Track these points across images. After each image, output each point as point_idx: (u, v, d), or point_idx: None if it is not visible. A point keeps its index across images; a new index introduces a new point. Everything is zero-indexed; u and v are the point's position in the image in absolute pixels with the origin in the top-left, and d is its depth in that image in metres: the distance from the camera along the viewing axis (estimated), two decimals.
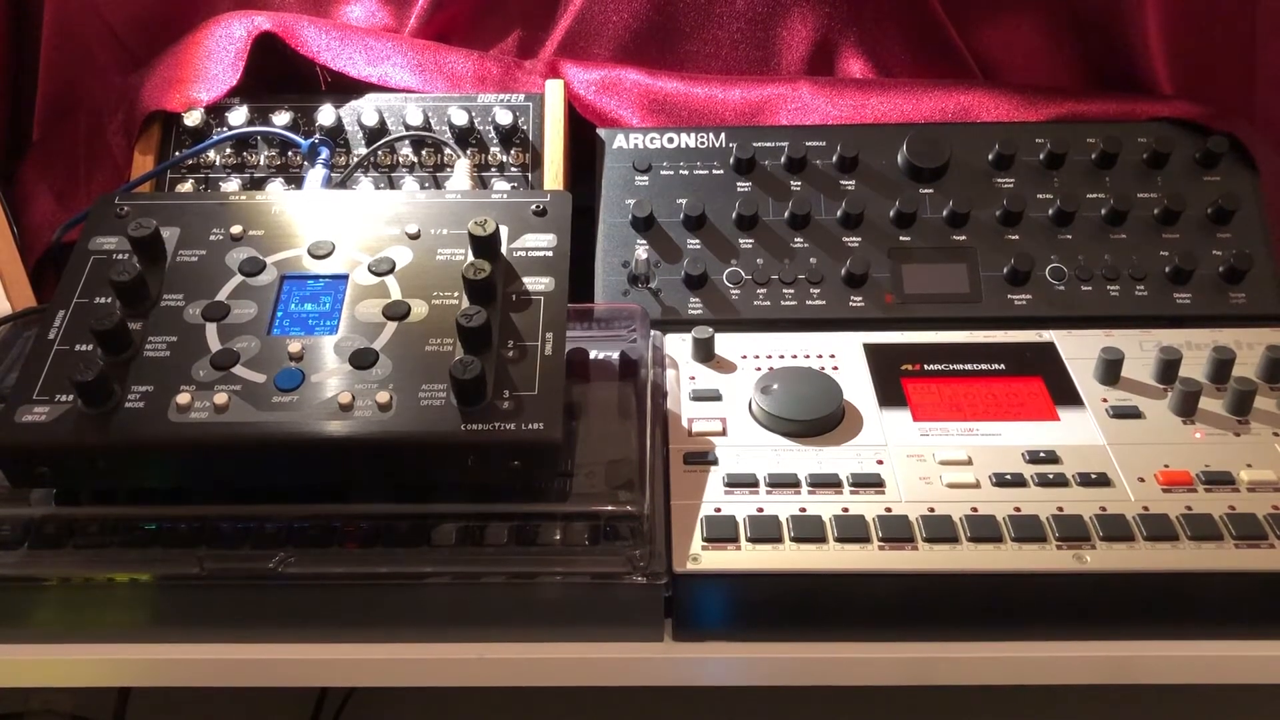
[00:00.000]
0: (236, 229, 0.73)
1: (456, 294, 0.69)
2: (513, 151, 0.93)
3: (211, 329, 0.68)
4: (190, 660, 0.67)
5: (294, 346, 0.66)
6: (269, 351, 0.66)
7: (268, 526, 0.66)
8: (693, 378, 0.78)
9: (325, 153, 0.89)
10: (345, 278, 0.70)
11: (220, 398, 0.64)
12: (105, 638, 0.68)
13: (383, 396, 0.63)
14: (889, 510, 0.66)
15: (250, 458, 0.64)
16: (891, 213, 0.89)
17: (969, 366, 0.77)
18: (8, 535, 0.66)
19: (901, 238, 0.88)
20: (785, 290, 0.87)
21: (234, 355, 0.66)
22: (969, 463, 0.70)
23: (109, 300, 0.69)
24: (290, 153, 0.93)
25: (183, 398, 0.64)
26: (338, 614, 0.67)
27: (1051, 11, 1.01)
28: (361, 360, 0.65)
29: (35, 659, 0.67)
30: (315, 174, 0.88)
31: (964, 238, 0.88)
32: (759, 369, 0.78)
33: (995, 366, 0.78)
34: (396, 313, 0.68)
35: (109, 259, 0.71)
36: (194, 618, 0.68)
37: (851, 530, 0.65)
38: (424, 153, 0.93)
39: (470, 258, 0.70)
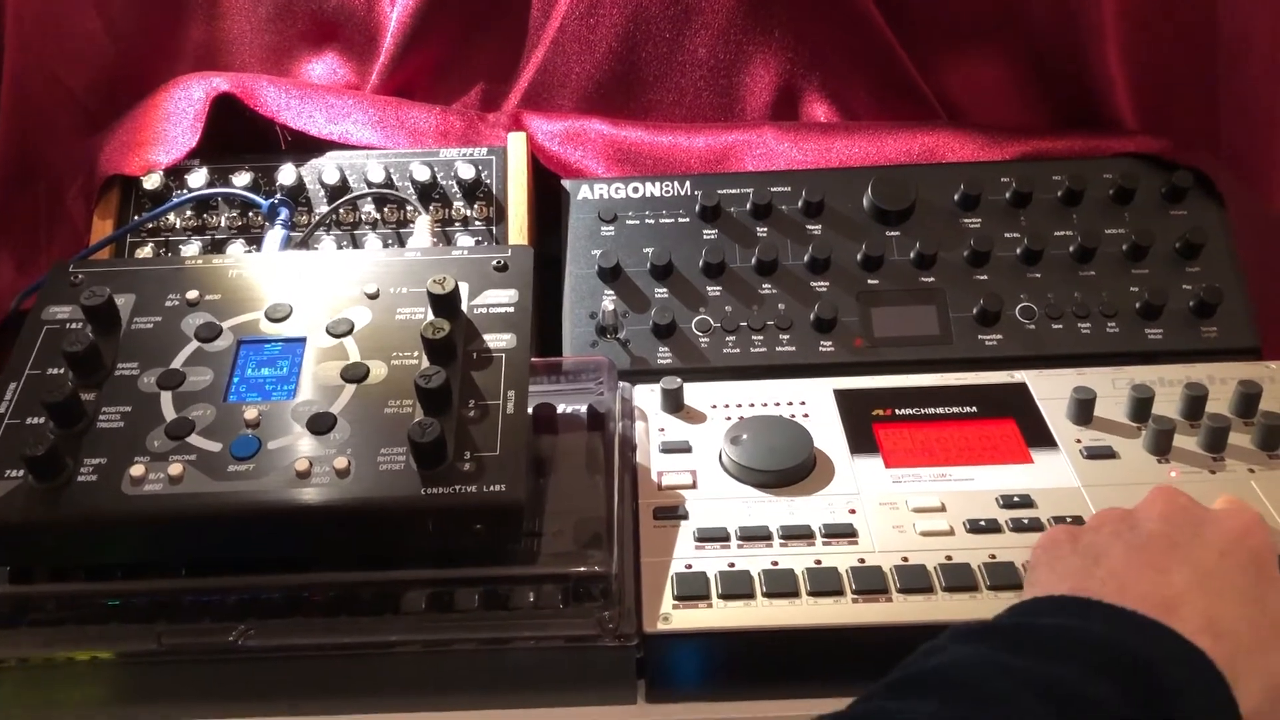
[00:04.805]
0: (193, 294, 0.71)
1: (416, 354, 0.68)
2: (476, 205, 0.93)
3: (166, 397, 0.66)
4: None
5: (250, 413, 0.65)
6: (225, 419, 0.65)
7: (227, 598, 0.64)
8: (662, 429, 0.77)
9: (285, 213, 0.89)
10: (303, 340, 0.69)
11: (175, 468, 0.62)
12: (64, 717, 0.66)
13: (340, 462, 0.62)
14: (862, 561, 0.65)
15: (206, 529, 0.62)
16: (859, 256, 0.88)
17: (940, 410, 0.77)
18: None
19: (869, 281, 0.88)
20: (754, 337, 0.86)
21: (189, 424, 0.64)
22: (942, 509, 0.69)
23: (61, 371, 0.67)
24: (251, 213, 0.92)
25: (136, 469, 0.62)
26: (303, 686, 0.65)
27: (1013, 51, 1.01)
28: (319, 425, 0.64)
29: None
30: (274, 235, 0.87)
31: (932, 279, 0.88)
32: (729, 418, 0.77)
33: (967, 409, 0.77)
34: (355, 375, 0.67)
35: (62, 328, 0.70)
36: (156, 694, 0.66)
37: (824, 583, 0.64)
38: (386, 210, 0.92)
39: (430, 316, 0.69)
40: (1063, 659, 0.46)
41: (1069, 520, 0.67)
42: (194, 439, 0.64)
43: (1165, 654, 0.47)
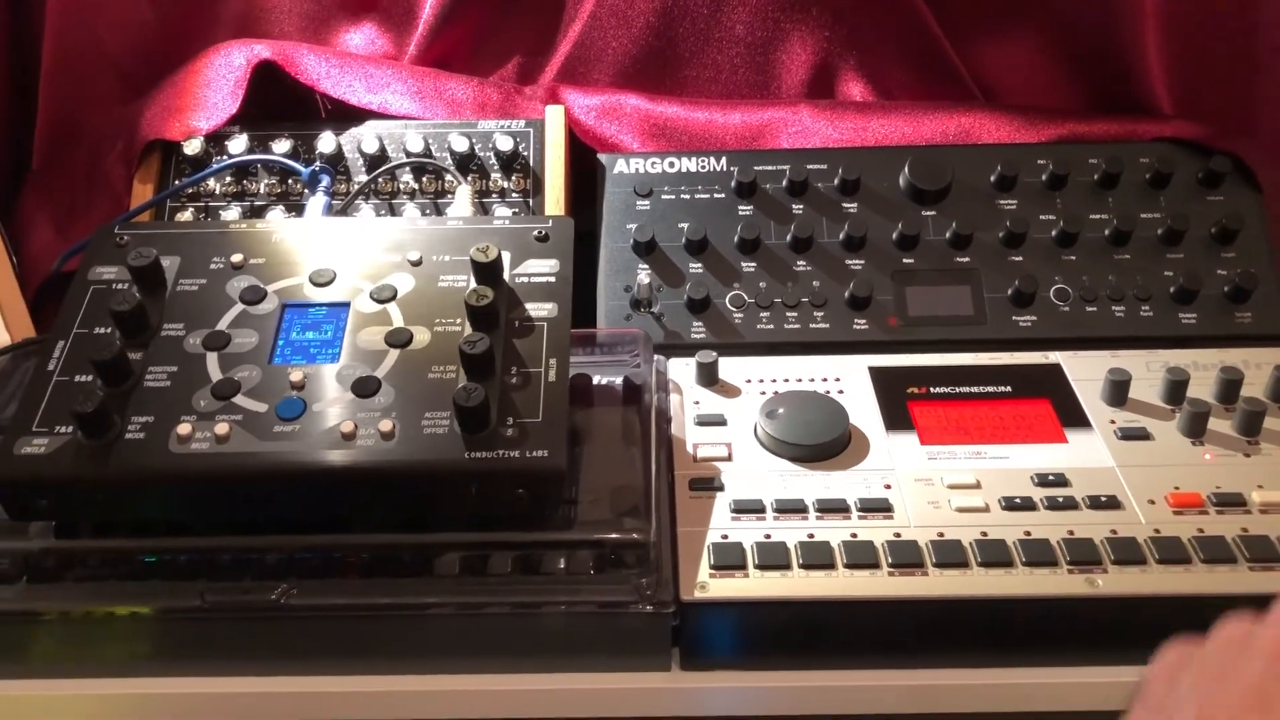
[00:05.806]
0: (237, 257, 0.72)
1: (459, 321, 0.68)
2: (514, 177, 0.93)
3: (212, 358, 0.67)
4: (193, 694, 0.66)
5: (295, 375, 0.66)
6: (270, 380, 0.66)
7: (269, 558, 0.65)
8: (697, 402, 0.77)
9: (326, 180, 0.89)
10: (347, 305, 0.70)
11: (221, 428, 0.63)
12: (106, 673, 0.67)
13: (385, 425, 0.63)
14: (898, 535, 0.66)
15: (252, 488, 0.63)
16: (894, 235, 0.88)
17: (975, 389, 0.77)
18: (6, 569, 0.65)
19: (904, 260, 0.88)
20: (789, 313, 0.86)
21: (235, 385, 0.65)
22: (977, 486, 0.69)
23: (109, 330, 0.68)
24: (290, 180, 0.92)
25: (183, 428, 0.63)
26: (341, 646, 0.66)
27: (1051, 33, 1.01)
28: (364, 388, 0.65)
29: (34, 694, 0.66)
30: (316, 201, 0.87)
31: (967, 259, 0.88)
32: (763, 393, 0.77)
33: (1002, 389, 0.77)
34: (399, 340, 0.67)
35: (109, 289, 0.71)
36: (196, 651, 0.67)
37: (861, 556, 0.64)
38: (425, 180, 0.92)
39: (472, 284, 0.70)
40: None
41: (1104, 500, 0.68)
42: (240, 399, 0.65)
43: None
